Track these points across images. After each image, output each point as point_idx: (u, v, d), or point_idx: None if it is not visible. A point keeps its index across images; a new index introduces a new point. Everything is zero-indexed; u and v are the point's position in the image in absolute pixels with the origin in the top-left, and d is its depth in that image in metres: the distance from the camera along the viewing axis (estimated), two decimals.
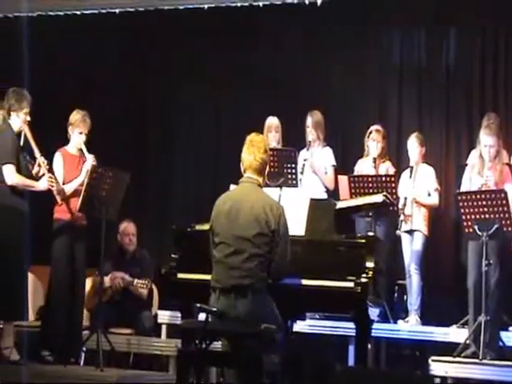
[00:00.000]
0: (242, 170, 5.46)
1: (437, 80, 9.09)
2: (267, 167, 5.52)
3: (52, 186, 6.87)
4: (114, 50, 10.01)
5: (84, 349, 7.31)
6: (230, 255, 5.21)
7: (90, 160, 7.09)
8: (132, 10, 10.22)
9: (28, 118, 6.88)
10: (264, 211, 5.23)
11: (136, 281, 7.91)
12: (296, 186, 7.62)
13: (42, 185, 6.84)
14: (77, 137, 7.20)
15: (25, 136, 6.89)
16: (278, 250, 5.25)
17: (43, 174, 6.85)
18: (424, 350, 7.67)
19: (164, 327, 7.99)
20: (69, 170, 7.17)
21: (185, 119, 10.03)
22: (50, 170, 6.95)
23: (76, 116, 7.23)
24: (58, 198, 6.98)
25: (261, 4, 9.75)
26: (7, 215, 6.71)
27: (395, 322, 7.83)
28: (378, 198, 6.84)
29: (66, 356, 6.91)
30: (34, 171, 6.88)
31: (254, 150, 5.39)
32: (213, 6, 9.90)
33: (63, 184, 7.08)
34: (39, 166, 6.85)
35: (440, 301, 8.18)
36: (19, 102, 6.84)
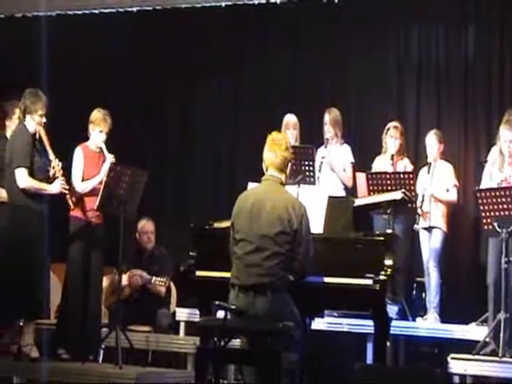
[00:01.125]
0: (264, 168, 5.48)
1: (455, 76, 9.04)
2: (289, 165, 5.52)
3: (65, 189, 6.87)
4: (133, 48, 10.03)
5: (103, 346, 7.34)
6: (251, 253, 5.22)
7: (110, 159, 7.09)
8: (150, 8, 10.25)
9: (43, 120, 6.87)
10: (286, 210, 5.24)
11: (154, 278, 7.93)
12: (314, 183, 7.60)
13: (54, 188, 6.82)
14: (97, 135, 7.19)
15: (40, 137, 6.90)
16: (301, 248, 5.25)
17: (57, 177, 6.85)
18: (443, 347, 7.64)
19: (182, 325, 8.00)
20: (88, 166, 7.15)
21: (203, 118, 10.03)
22: (64, 174, 6.93)
23: (97, 114, 7.22)
24: (71, 203, 6.98)
25: (278, 1, 9.75)
26: (26, 215, 6.72)
27: (414, 320, 7.81)
28: (397, 195, 6.82)
29: (83, 354, 6.91)
30: (51, 173, 6.88)
31: (275, 148, 5.41)
32: (230, 3, 9.91)
33: (82, 180, 7.08)
34: (53, 168, 6.85)
35: (459, 298, 8.14)
36: (34, 103, 6.82)
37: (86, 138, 7.28)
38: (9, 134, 7.20)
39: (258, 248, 5.21)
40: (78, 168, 7.11)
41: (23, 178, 6.67)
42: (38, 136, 6.89)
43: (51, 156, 6.84)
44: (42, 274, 6.82)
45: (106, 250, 7.19)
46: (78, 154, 7.18)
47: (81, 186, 7.06)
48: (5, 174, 6.90)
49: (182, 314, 8.00)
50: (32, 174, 6.75)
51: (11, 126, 7.23)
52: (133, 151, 9.67)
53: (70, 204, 6.98)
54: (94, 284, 7.10)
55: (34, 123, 6.83)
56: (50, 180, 6.87)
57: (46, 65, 8.47)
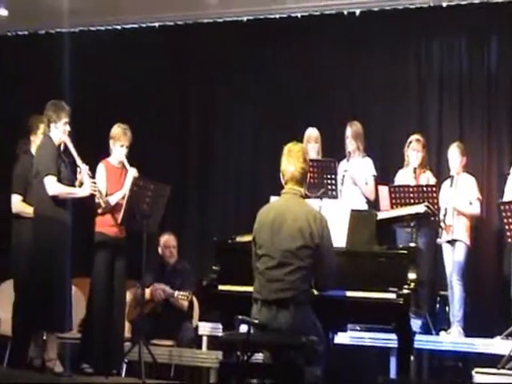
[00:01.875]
0: (283, 181, 5.41)
1: (478, 89, 9.03)
2: (308, 176, 5.50)
3: (94, 191, 6.90)
4: (154, 63, 10.08)
5: (126, 360, 7.34)
6: (274, 268, 5.18)
7: (132, 173, 7.12)
8: (171, 23, 10.30)
9: (68, 128, 6.91)
10: (308, 223, 5.19)
11: (177, 292, 7.94)
12: (336, 197, 7.58)
13: (84, 191, 6.86)
14: (118, 150, 7.24)
15: (66, 146, 6.94)
16: (324, 262, 5.22)
17: (85, 182, 6.88)
18: (467, 361, 7.59)
19: (205, 339, 8.01)
20: (111, 181, 7.20)
21: (224, 132, 10.06)
22: (93, 177, 6.98)
23: (117, 130, 7.27)
24: (101, 203, 7.01)
25: (299, 15, 9.78)
26: (51, 227, 6.73)
27: (437, 334, 7.77)
28: (420, 209, 6.79)
29: (106, 368, 6.92)
30: (78, 180, 6.92)
31: (293, 161, 5.34)
32: (252, 17, 9.95)
33: (106, 195, 7.11)
34: (81, 173, 6.88)
35: (483, 311, 8.09)
36: (57, 113, 6.87)
37: (107, 154, 7.32)
38: (33, 148, 7.25)
39: (281, 263, 5.17)
40: (101, 183, 7.13)
41: (53, 185, 6.70)
42: (62, 146, 6.93)
43: (79, 161, 6.87)
44: (65, 286, 6.82)
45: (129, 264, 7.21)
46: (101, 170, 7.22)
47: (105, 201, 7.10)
48: (31, 188, 6.94)
49: (205, 328, 8.01)
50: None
51: (36, 140, 7.28)
52: (155, 166, 9.69)
53: (102, 204, 7.01)
54: (118, 298, 7.12)
55: (59, 132, 6.86)
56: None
57: (68, 81, 8.52)
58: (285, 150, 5.41)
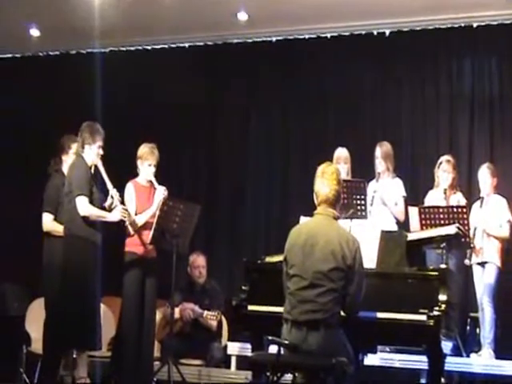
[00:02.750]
0: (317, 202, 5.38)
1: (509, 109, 9.00)
2: (341, 197, 5.47)
3: (124, 217, 6.92)
4: (183, 83, 10.12)
5: (155, 379, 7.33)
6: (305, 289, 5.16)
7: (161, 191, 7.15)
8: (201, 43, 10.36)
9: (101, 152, 6.95)
10: (340, 245, 5.17)
11: (206, 312, 7.94)
12: (365, 217, 7.54)
13: (114, 216, 6.88)
14: (146, 169, 7.27)
15: (97, 169, 6.98)
16: (353, 285, 5.19)
17: (115, 206, 6.91)
18: None
19: (234, 359, 7.99)
20: (140, 201, 7.24)
21: (254, 152, 10.07)
22: (123, 203, 7.01)
23: (144, 149, 7.31)
24: (131, 229, 7.05)
25: (329, 35, 9.80)
26: (81, 246, 6.76)
27: (468, 356, 7.70)
28: (451, 230, 6.74)
29: None
30: (107, 204, 6.94)
31: (327, 183, 5.31)
32: (281, 38, 9.99)
33: (135, 215, 7.15)
34: (112, 198, 6.91)
35: None
36: (93, 135, 6.91)
37: (136, 174, 7.35)
38: (65, 168, 7.30)
39: (312, 284, 5.15)
40: (130, 203, 7.17)
41: (85, 206, 6.72)
42: (94, 169, 6.97)
43: (109, 186, 6.89)
44: (96, 305, 6.85)
45: (158, 284, 7.22)
46: (130, 190, 7.26)
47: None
48: (62, 207, 6.99)
49: (234, 347, 7.99)
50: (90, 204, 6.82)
51: (67, 160, 7.33)
52: (186, 186, 9.77)
53: (131, 230, 7.03)
54: (148, 317, 7.13)
55: (93, 155, 6.91)
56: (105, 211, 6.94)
57: (98, 100, 8.59)
58: (318, 171, 5.39)
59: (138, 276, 7.10)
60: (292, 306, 5.20)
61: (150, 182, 7.28)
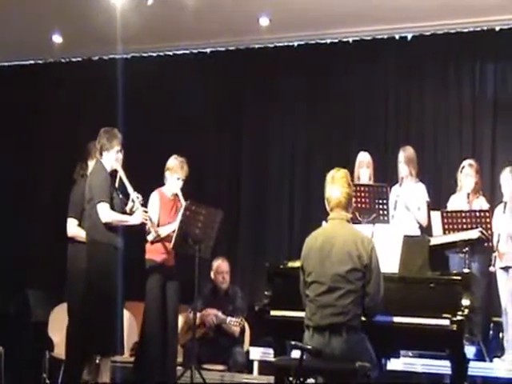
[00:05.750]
0: (329, 208, 5.39)
1: None
2: (353, 200, 5.47)
3: (146, 220, 6.92)
4: (206, 88, 10.16)
5: None
6: (324, 293, 5.16)
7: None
8: (223, 49, 10.38)
9: (120, 156, 6.94)
10: (356, 246, 5.18)
11: (229, 319, 7.95)
12: (388, 222, 7.53)
13: (136, 219, 6.87)
14: (174, 182, 7.29)
15: (117, 173, 6.98)
16: (371, 285, 5.18)
17: (136, 209, 6.89)
18: None
19: (256, 363, 8.00)
20: (164, 211, 7.26)
21: (277, 157, 10.07)
22: (143, 205, 7.00)
23: (174, 162, 7.33)
24: (151, 235, 7.07)
25: (351, 40, 9.80)
26: (103, 252, 6.76)
27: (491, 361, 7.65)
28: (474, 234, 6.73)
29: None
30: (128, 207, 6.94)
31: (337, 187, 5.34)
32: (302, 43, 9.99)
33: (158, 225, 7.16)
34: (133, 201, 6.91)
35: None
36: (110, 140, 6.90)
37: (158, 180, 7.37)
38: None
39: (331, 288, 5.16)
40: (154, 212, 7.19)
41: (106, 212, 6.71)
42: (114, 174, 6.98)
43: (130, 189, 6.87)
44: (118, 310, 6.86)
45: (181, 289, 7.24)
46: (155, 198, 7.28)
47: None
48: (85, 213, 7.02)
49: (256, 352, 8.00)
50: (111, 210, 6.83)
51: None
52: (209, 191, 9.78)
53: (153, 233, 7.05)
54: (171, 322, 7.15)
55: (111, 160, 6.90)
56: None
57: (121, 106, 8.63)
58: (328, 178, 5.42)
59: (160, 281, 7.12)
60: (312, 313, 5.21)
61: (176, 195, 7.29)
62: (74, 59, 11.04)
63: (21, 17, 9.60)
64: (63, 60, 11.08)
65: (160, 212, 7.24)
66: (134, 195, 6.89)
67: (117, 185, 6.98)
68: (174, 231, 7.09)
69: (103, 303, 6.66)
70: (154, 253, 7.20)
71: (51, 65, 11.09)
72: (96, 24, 9.43)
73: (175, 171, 7.27)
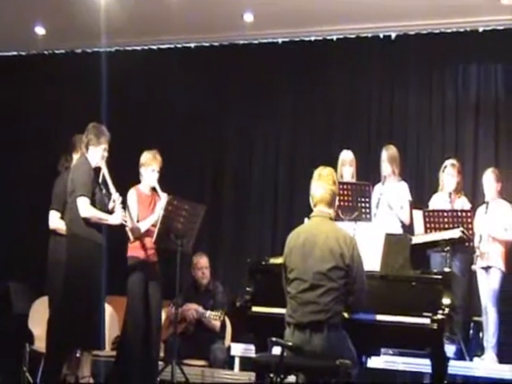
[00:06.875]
0: (312, 204, 5.42)
1: None
2: (337, 199, 5.51)
3: (125, 221, 6.91)
4: (189, 83, 10.13)
5: (158, 379, 7.34)
6: (306, 291, 5.17)
7: (164, 198, 7.13)
8: (207, 44, 10.36)
9: (106, 154, 6.92)
10: (338, 244, 5.19)
11: (209, 313, 7.95)
12: (370, 220, 7.53)
13: (115, 219, 6.84)
14: (150, 175, 7.26)
15: (101, 171, 6.97)
16: (355, 284, 5.20)
17: (117, 210, 6.87)
18: None
19: (237, 360, 8.00)
20: (142, 207, 7.24)
21: (260, 154, 10.09)
22: (124, 208, 6.98)
23: (147, 155, 7.30)
24: (131, 236, 7.06)
25: (335, 38, 9.80)
26: (83, 245, 6.73)
27: (471, 360, 7.70)
28: (456, 234, 6.75)
29: None
30: (110, 206, 6.93)
31: (323, 184, 5.37)
32: (287, 40, 10.00)
33: (137, 222, 7.15)
34: (114, 201, 6.88)
35: None
36: (98, 137, 6.87)
37: (138, 179, 7.35)
38: None
39: (312, 285, 5.17)
40: (133, 209, 7.17)
41: (85, 207, 6.69)
42: (98, 171, 6.96)
43: (112, 190, 6.86)
44: (99, 304, 6.84)
45: (162, 285, 7.22)
46: (132, 195, 7.25)
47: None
48: (67, 205, 6.98)
49: (237, 349, 8.00)
50: (92, 206, 6.81)
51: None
52: (191, 186, 9.77)
53: (130, 237, 7.04)
54: (155, 318, 7.13)
55: (97, 156, 6.88)
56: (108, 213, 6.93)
57: (104, 99, 8.60)
58: (315, 174, 5.44)
59: (142, 278, 7.10)
60: (293, 310, 5.22)
61: (154, 189, 7.27)
62: (57, 51, 10.98)
63: (3, 7, 9.55)
64: (46, 52, 11.02)
65: (139, 209, 7.22)
66: (116, 196, 6.87)
67: (100, 181, 6.95)
68: (153, 225, 7.07)
69: (83, 297, 6.63)
70: (136, 250, 7.18)
71: (34, 57, 11.04)
72: (79, 16, 9.43)
73: (149, 164, 7.25)
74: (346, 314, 5.32)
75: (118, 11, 9.24)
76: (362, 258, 5.32)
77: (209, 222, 8.17)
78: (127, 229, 7.00)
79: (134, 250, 7.18)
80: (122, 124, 9.40)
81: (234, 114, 10.23)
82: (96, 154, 6.88)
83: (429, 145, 9.30)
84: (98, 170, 6.95)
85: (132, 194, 7.26)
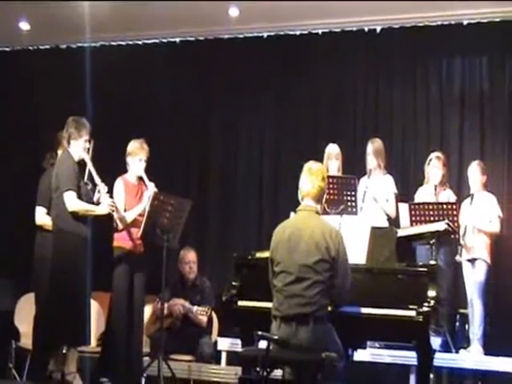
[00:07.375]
0: (300, 197, 5.45)
1: (498, 107, 9.01)
2: (325, 195, 5.52)
3: (113, 211, 6.90)
4: (175, 78, 10.11)
5: (145, 375, 7.35)
6: (291, 283, 5.19)
7: (151, 187, 7.13)
8: (192, 39, 10.34)
9: (88, 146, 6.93)
10: (324, 237, 5.22)
11: (196, 308, 7.94)
12: (356, 213, 7.57)
13: (102, 209, 6.85)
14: (137, 164, 7.24)
15: (85, 163, 6.95)
16: (339, 277, 5.22)
17: (103, 200, 6.87)
18: (486, 380, 7.56)
19: (224, 354, 8.01)
20: (129, 197, 7.22)
21: (246, 149, 10.07)
22: (111, 196, 6.97)
23: (134, 144, 7.29)
24: (119, 224, 7.04)
25: (320, 32, 9.80)
26: (70, 241, 6.73)
27: (457, 352, 7.73)
28: (441, 226, 6.78)
29: (126, 382, 6.92)
30: (95, 198, 6.92)
31: (312, 178, 5.39)
32: (272, 34, 9.99)
33: (124, 211, 7.14)
34: (99, 192, 6.88)
35: (503, 330, 8.02)
36: (78, 130, 6.88)
37: (126, 169, 7.34)
38: None
39: (298, 278, 5.19)
40: (119, 199, 7.14)
41: (72, 201, 6.69)
42: (83, 164, 6.94)
43: (97, 180, 6.86)
44: (85, 300, 6.83)
45: (149, 279, 7.21)
46: (119, 186, 7.24)
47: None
48: (52, 201, 6.97)
49: (224, 343, 8.01)
50: (78, 199, 6.79)
51: None
52: (177, 181, 9.76)
53: (119, 224, 7.02)
54: (137, 312, 7.12)
55: (79, 149, 6.88)
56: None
57: (89, 95, 8.57)
58: (305, 168, 5.46)
59: (127, 271, 7.08)
60: (280, 303, 5.23)
61: (140, 178, 7.26)
62: (41, 47, 10.93)
63: None
64: (31, 48, 10.97)
65: (126, 198, 7.20)
66: (101, 186, 6.86)
67: (86, 174, 6.94)
68: (141, 215, 7.06)
69: (69, 293, 6.62)
70: (123, 240, 7.15)
71: (18, 52, 10.98)
72: (64, 12, 9.38)
73: (136, 153, 7.24)
74: (329, 308, 5.33)
75: (102, 6, 9.20)
76: (348, 250, 5.34)
77: (195, 217, 8.15)
78: (115, 217, 6.97)
79: (120, 241, 7.15)
80: (107, 119, 9.39)
81: (219, 108, 10.21)
82: (78, 146, 6.89)
83: (414, 138, 9.31)
84: (83, 163, 6.94)
85: (119, 184, 7.24)
